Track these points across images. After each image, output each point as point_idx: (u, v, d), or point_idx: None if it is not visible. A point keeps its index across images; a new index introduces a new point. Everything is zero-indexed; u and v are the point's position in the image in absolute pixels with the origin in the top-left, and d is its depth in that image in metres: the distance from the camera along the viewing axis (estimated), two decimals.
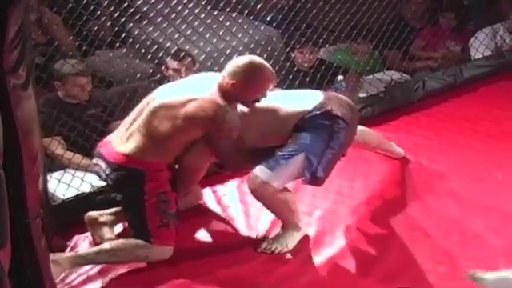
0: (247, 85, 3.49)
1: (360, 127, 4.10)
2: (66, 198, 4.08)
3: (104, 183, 3.91)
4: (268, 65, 3.59)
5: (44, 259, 2.79)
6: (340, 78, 5.54)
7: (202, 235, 3.89)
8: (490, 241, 3.73)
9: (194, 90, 3.52)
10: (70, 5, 4.52)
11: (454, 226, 3.89)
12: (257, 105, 3.60)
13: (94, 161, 3.70)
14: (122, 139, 3.58)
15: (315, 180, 3.59)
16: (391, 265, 3.57)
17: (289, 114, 3.67)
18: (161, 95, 3.58)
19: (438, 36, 6.48)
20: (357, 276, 3.52)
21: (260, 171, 3.57)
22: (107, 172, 3.58)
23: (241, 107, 3.62)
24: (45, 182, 3.61)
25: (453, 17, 6.56)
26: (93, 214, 3.79)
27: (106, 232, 3.74)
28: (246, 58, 3.59)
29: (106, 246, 3.54)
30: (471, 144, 4.81)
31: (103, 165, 3.59)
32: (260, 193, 3.61)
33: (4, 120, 2.33)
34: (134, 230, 3.58)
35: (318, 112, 3.64)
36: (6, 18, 2.39)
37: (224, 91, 3.48)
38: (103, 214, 3.80)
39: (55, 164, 4.38)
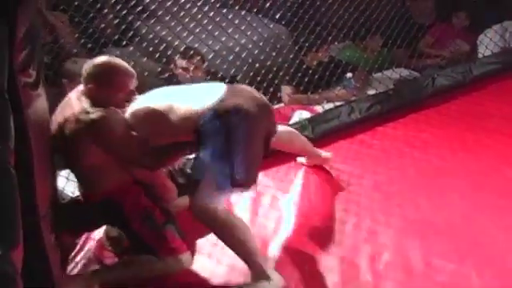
0: (103, 86, 3.36)
1: (284, 128, 4.09)
2: (74, 195, 4.08)
3: None
4: (119, 60, 3.46)
5: (53, 257, 2.80)
6: (349, 75, 5.55)
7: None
8: (500, 239, 3.71)
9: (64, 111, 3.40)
10: (76, 2, 4.53)
11: (463, 223, 3.87)
12: (149, 105, 3.45)
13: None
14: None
15: (239, 185, 3.35)
16: (400, 262, 3.56)
17: (184, 114, 3.38)
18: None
19: (448, 34, 6.47)
20: (367, 273, 3.51)
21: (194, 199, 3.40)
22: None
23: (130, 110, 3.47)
24: (54, 179, 3.61)
25: (466, 16, 6.55)
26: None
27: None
28: (92, 61, 3.43)
29: (127, 261, 3.53)
30: (481, 141, 4.79)
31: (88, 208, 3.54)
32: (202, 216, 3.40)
33: (15, 119, 2.33)
34: (137, 248, 3.51)
35: (211, 114, 3.33)
36: (16, 17, 2.39)
37: (90, 98, 3.36)
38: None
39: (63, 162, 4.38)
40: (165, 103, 3.43)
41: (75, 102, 3.37)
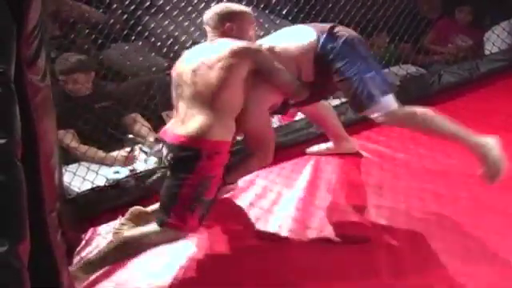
0: (241, 21, 3.67)
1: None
2: (80, 191, 4.09)
3: (119, 176, 3.93)
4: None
5: (60, 253, 2.80)
6: None
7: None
8: (506, 236, 3.71)
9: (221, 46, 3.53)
10: None
11: (469, 220, 3.86)
12: (268, 46, 3.68)
13: (156, 148, 3.67)
14: (180, 121, 3.41)
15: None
16: (406, 259, 3.56)
17: (302, 47, 3.70)
18: (190, 58, 3.57)
19: (452, 29, 6.46)
20: (372, 270, 3.51)
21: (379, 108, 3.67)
22: (168, 155, 3.39)
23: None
24: (60, 175, 3.61)
25: (469, 11, 6.53)
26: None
27: None
28: (223, 5, 3.80)
29: (113, 244, 3.45)
30: None
31: (164, 150, 3.42)
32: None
33: (21, 112, 2.33)
34: (160, 206, 3.44)
35: (326, 36, 3.69)
36: (25, 8, 2.39)
37: (230, 35, 3.61)
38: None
39: (69, 157, 4.40)
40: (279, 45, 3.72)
41: (219, 42, 3.56)
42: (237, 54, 3.41)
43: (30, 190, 2.31)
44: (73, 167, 4.20)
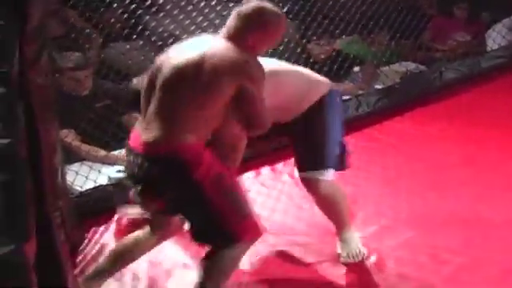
0: (266, 33, 3.02)
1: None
2: (83, 190, 4.10)
3: (122, 175, 3.93)
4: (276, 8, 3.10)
5: (64, 252, 2.81)
6: (356, 69, 5.54)
7: None
8: (507, 232, 3.72)
9: (203, 45, 3.00)
10: None
11: (471, 217, 3.87)
12: (284, 66, 3.44)
13: (126, 158, 3.15)
14: (148, 126, 2.97)
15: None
16: (407, 256, 3.57)
17: (319, 83, 3.46)
18: (168, 60, 3.01)
19: (449, 27, 6.46)
20: (375, 267, 3.52)
21: (320, 174, 3.41)
22: (145, 167, 2.95)
23: (270, 63, 3.26)
24: (63, 174, 3.62)
25: (466, 7, 6.54)
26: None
27: None
28: (256, 4, 3.04)
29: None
30: (488, 135, 4.80)
31: (138, 160, 2.97)
32: (331, 195, 3.47)
33: (24, 112, 2.34)
34: (208, 235, 3.05)
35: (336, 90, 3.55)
36: (28, 9, 2.40)
37: (238, 42, 2.98)
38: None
39: (72, 156, 4.40)
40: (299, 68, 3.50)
41: (218, 43, 2.99)
42: (216, 74, 2.89)
43: (34, 189, 2.33)
44: (75, 166, 4.21)
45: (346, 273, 3.45)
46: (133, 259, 3.30)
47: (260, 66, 2.96)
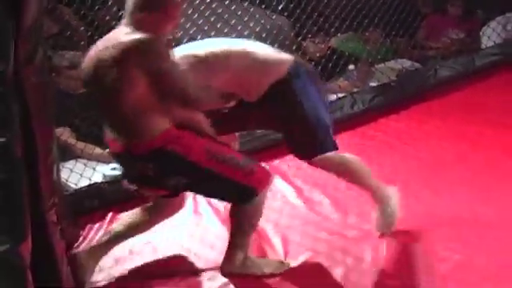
0: (157, 12, 3.08)
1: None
2: (78, 187, 4.09)
3: (116, 173, 3.93)
4: None
5: (59, 250, 2.81)
6: (351, 67, 5.54)
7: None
8: (503, 230, 3.72)
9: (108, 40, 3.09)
10: None
11: (467, 214, 3.87)
12: (227, 48, 3.38)
13: (116, 162, 3.39)
14: (113, 130, 3.15)
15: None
16: (404, 254, 3.57)
17: (275, 62, 3.41)
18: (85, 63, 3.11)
19: (443, 24, 6.47)
20: (371, 266, 3.51)
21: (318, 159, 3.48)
22: (138, 166, 3.14)
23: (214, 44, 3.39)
24: (58, 171, 3.62)
25: (460, 5, 6.54)
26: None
27: None
28: None
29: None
30: (483, 133, 4.80)
31: (127, 161, 3.19)
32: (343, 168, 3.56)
33: (19, 110, 2.34)
34: (232, 197, 3.29)
35: (298, 64, 3.45)
36: (23, 7, 2.40)
37: (138, 28, 3.03)
38: None
39: (67, 154, 4.40)
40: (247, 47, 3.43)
41: (118, 32, 3.09)
42: (118, 63, 2.96)
43: (29, 188, 2.33)
44: (70, 164, 4.20)
45: (342, 272, 3.44)
46: (131, 236, 3.44)
47: (161, 43, 3.03)
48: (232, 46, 3.43)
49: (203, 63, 3.27)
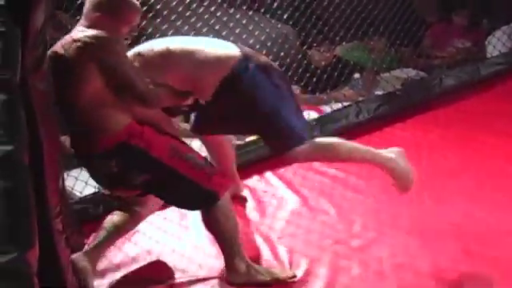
0: (111, 15, 3.17)
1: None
2: (83, 195, 4.09)
3: None
4: None
5: (65, 258, 2.81)
6: (356, 76, 5.55)
7: None
8: (507, 239, 3.71)
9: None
10: (79, 1, 4.52)
11: (471, 224, 3.86)
12: (172, 46, 3.38)
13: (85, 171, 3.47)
14: (75, 130, 3.31)
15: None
16: (407, 263, 3.56)
17: (217, 57, 3.36)
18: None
19: (449, 34, 6.47)
20: (374, 275, 3.51)
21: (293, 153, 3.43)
22: (102, 165, 3.22)
23: (151, 49, 3.39)
24: (63, 179, 3.62)
25: (466, 14, 6.55)
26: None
27: None
28: None
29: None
30: (488, 142, 4.79)
31: (93, 163, 3.29)
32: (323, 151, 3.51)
33: (26, 118, 2.33)
34: (195, 202, 3.31)
35: (249, 61, 3.36)
36: (30, 15, 2.40)
37: (94, 26, 3.14)
38: None
39: (72, 162, 4.39)
40: (186, 46, 3.40)
41: (75, 30, 3.19)
42: (75, 62, 3.07)
43: (36, 196, 2.32)
44: (75, 172, 4.20)
45: (344, 279, 3.44)
46: (122, 234, 3.51)
47: (115, 41, 3.11)
48: (177, 44, 3.43)
49: (154, 61, 3.33)
